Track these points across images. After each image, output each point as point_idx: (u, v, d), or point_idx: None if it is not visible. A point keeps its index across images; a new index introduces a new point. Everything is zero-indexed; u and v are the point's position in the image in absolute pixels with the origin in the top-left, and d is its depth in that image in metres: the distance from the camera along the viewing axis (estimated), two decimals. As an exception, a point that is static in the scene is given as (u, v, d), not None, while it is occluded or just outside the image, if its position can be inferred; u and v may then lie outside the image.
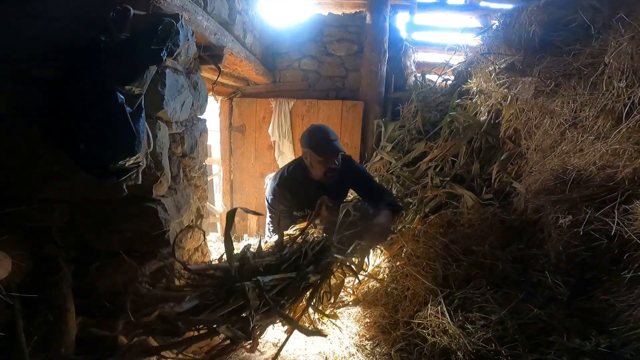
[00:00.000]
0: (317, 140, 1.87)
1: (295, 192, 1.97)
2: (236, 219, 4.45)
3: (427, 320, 1.38)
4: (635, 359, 1.06)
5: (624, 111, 1.42)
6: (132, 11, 1.17)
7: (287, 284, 1.24)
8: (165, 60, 1.23)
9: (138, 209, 1.50)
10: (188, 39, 1.52)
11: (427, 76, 3.98)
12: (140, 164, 1.23)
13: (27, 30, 1.29)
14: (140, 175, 1.32)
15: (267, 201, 2.06)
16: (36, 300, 1.33)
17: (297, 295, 1.27)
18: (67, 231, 1.51)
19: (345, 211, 1.64)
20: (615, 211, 1.37)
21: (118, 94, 1.05)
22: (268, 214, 2.10)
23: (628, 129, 1.40)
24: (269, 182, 2.11)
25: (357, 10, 4.11)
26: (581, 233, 1.39)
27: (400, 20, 4.19)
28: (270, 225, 2.09)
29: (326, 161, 1.86)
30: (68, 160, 1.21)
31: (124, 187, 1.32)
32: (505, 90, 2.15)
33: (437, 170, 2.85)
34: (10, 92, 1.34)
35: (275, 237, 1.99)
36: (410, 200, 2.79)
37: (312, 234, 1.66)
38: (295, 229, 1.79)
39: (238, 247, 4.38)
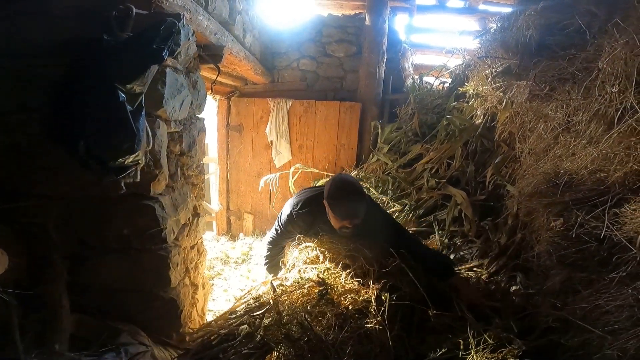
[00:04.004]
0: (337, 200, 1.74)
1: (310, 223, 1.93)
2: (232, 218, 4.46)
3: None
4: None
5: (615, 116, 1.43)
6: (134, 10, 1.18)
7: None
8: (166, 59, 1.24)
9: (135, 207, 1.51)
10: (189, 39, 1.53)
11: (425, 78, 4.00)
12: (140, 161, 1.25)
13: (29, 28, 1.30)
14: (139, 173, 1.33)
15: (280, 219, 2.01)
16: (31, 297, 1.33)
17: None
18: (64, 227, 1.51)
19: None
20: (606, 214, 1.40)
21: (119, 92, 1.06)
22: (274, 227, 2.07)
23: (619, 134, 1.42)
24: (289, 203, 2.03)
25: (357, 12, 4.13)
26: (573, 235, 1.42)
27: (399, 22, 4.22)
28: (272, 240, 2.08)
29: (342, 221, 1.76)
30: (67, 156, 1.22)
31: (123, 184, 1.34)
32: (501, 93, 2.18)
33: (433, 172, 2.88)
34: (12, 88, 1.35)
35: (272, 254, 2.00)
36: (406, 202, 2.83)
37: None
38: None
39: (234, 247, 4.31)
